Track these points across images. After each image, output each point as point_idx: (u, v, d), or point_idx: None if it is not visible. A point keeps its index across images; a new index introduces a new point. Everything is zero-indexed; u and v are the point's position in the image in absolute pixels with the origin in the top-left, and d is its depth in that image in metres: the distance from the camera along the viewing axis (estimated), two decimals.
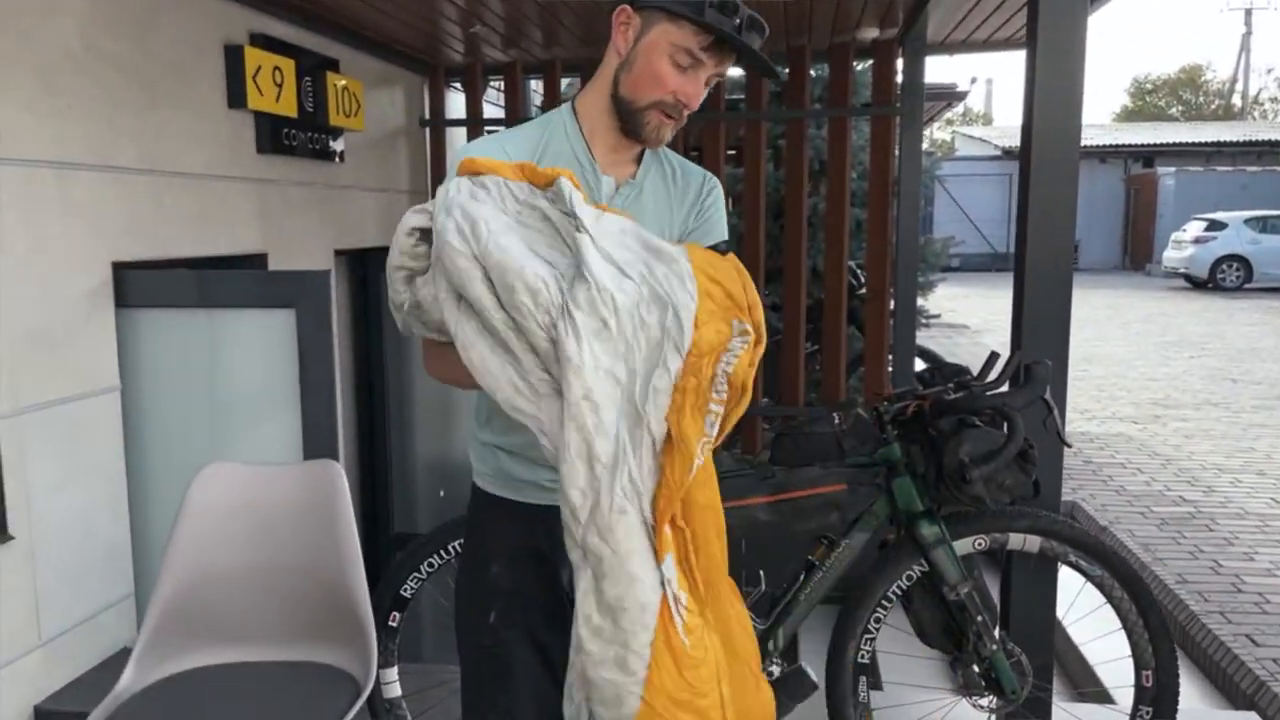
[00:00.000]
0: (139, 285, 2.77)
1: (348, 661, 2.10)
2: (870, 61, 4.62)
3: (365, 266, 4.35)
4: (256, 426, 2.84)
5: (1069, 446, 2.30)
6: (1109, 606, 2.33)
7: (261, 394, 2.82)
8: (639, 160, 1.59)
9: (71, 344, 2.58)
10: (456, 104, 5.07)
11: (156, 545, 2.83)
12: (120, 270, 2.74)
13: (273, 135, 3.40)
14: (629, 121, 1.50)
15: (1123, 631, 2.34)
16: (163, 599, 2.09)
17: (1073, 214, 2.44)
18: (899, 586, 2.28)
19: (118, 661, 2.67)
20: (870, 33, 4.34)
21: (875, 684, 2.38)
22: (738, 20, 1.42)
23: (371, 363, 4.35)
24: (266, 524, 2.17)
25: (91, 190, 2.62)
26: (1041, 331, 2.42)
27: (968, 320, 13.11)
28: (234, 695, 2.03)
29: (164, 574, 2.10)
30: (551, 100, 4.83)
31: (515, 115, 4.78)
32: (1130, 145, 22.99)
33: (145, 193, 2.82)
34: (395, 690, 2.45)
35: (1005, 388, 2.28)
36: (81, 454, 2.63)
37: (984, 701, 2.29)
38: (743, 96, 5.00)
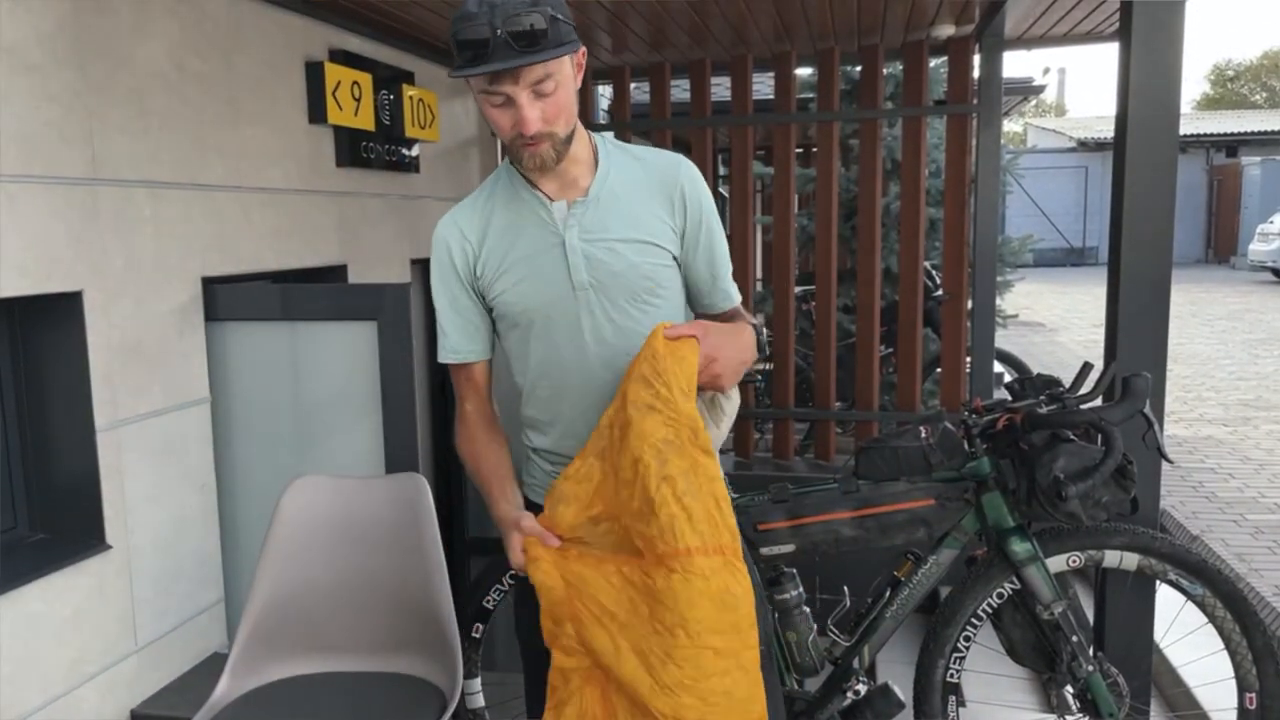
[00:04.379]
0: (226, 299, 2.83)
1: (434, 673, 2.12)
2: (945, 58, 4.52)
3: None
4: (339, 437, 2.89)
5: (1171, 463, 2.21)
6: (1210, 626, 2.25)
7: (343, 404, 2.87)
8: (596, 168, 1.62)
9: (165, 357, 2.66)
10: None
11: (245, 552, 2.91)
12: (209, 285, 2.81)
13: (351, 148, 3.45)
14: (516, 161, 1.58)
15: (1225, 652, 2.26)
16: (255, 609, 2.13)
17: (1170, 216, 2.35)
18: (989, 604, 2.22)
19: (210, 666, 2.75)
20: (946, 30, 4.24)
21: (961, 701, 2.32)
22: (494, 31, 1.38)
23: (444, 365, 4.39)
24: (354, 536, 2.21)
25: (182, 207, 2.69)
26: (1138, 341, 2.33)
27: (1043, 318, 12.79)
28: (325, 706, 2.06)
29: (256, 585, 2.15)
30: (620, 105, 4.83)
31: (585, 120, 4.78)
32: (1213, 134, 22.17)
33: (232, 208, 2.89)
34: (479, 701, 2.47)
35: (1099, 401, 2.20)
36: (174, 464, 2.70)
37: None
38: (813, 96, 4.94)
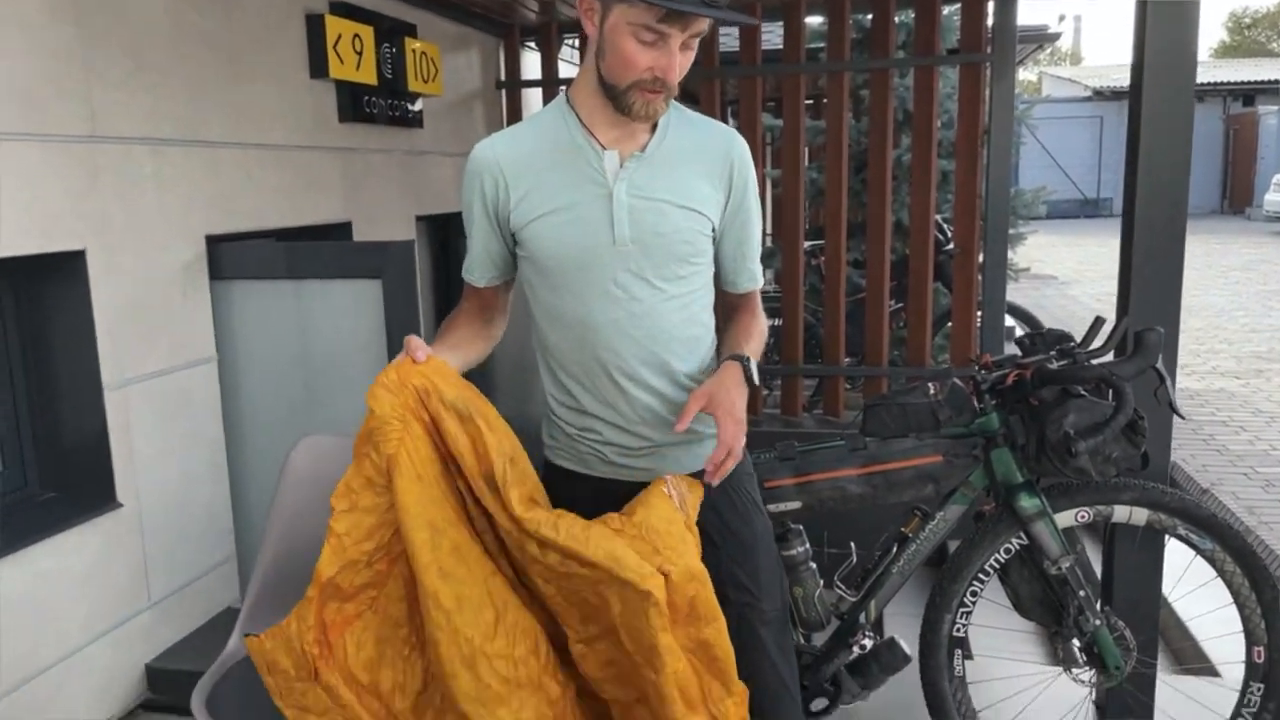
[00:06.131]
0: (231, 257, 2.82)
1: None
2: (958, 6, 4.42)
3: (445, 231, 4.37)
4: (346, 395, 2.89)
5: (1183, 418, 2.19)
6: (1219, 581, 2.25)
7: (350, 362, 2.87)
8: (655, 128, 1.59)
9: (170, 316, 2.65)
10: (532, 64, 5.03)
11: (255, 509, 2.93)
12: (213, 243, 2.79)
13: (354, 104, 3.41)
14: (617, 103, 1.51)
15: (1233, 606, 2.25)
16: (264, 567, 2.14)
17: (1186, 170, 2.30)
18: (996, 559, 2.22)
19: (222, 621, 2.78)
20: None
21: (967, 654, 2.33)
22: None
23: None
24: None
25: (183, 165, 2.66)
26: (1152, 295, 2.30)
27: (1056, 271, 12.69)
28: None
29: (265, 543, 2.15)
30: None
31: None
32: (1229, 83, 21.77)
33: (234, 166, 2.86)
34: None
35: (1111, 356, 2.18)
36: (182, 423, 2.71)
37: (1085, 676, 2.23)
38: (823, 45, 4.84)
